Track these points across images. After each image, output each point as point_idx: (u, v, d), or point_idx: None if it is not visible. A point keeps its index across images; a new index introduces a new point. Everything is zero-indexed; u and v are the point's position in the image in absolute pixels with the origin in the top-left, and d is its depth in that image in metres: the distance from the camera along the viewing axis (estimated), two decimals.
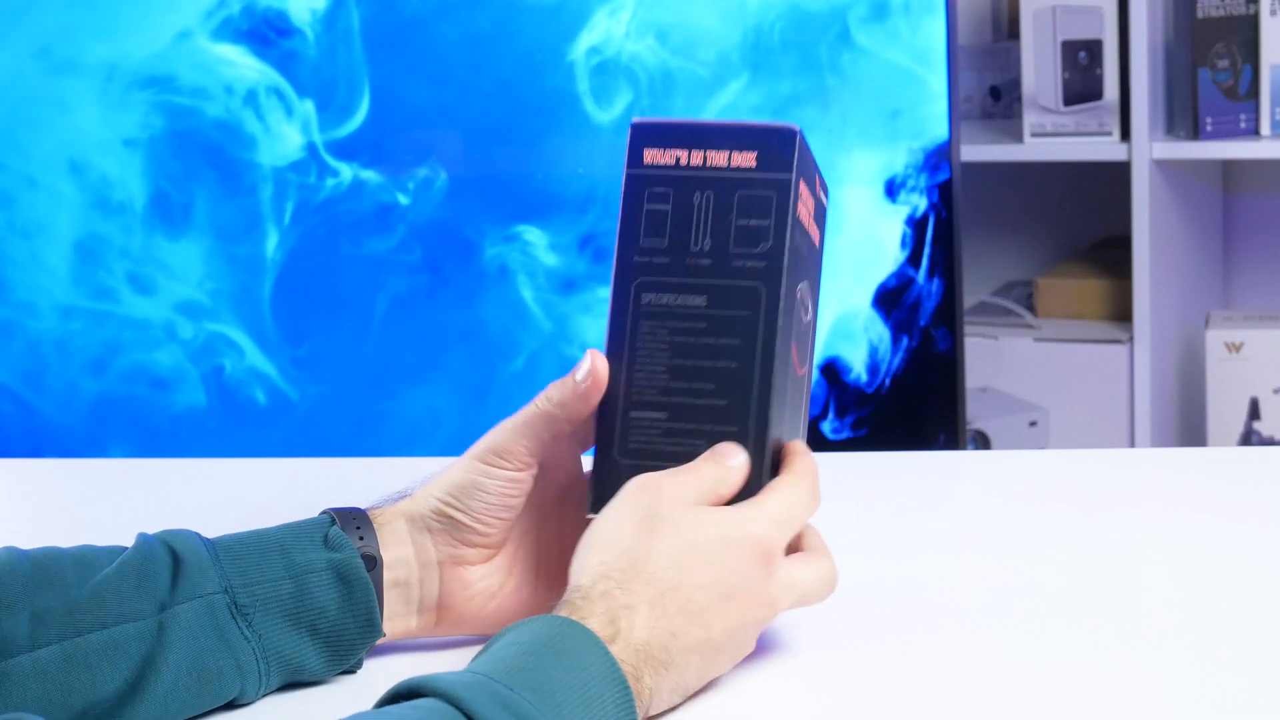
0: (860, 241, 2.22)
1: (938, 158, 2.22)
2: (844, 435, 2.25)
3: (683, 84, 2.20)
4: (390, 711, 0.89)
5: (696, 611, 0.98)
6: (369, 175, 2.24)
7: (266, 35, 2.23)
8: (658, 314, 1.05)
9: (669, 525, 1.00)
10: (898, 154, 2.22)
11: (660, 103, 2.20)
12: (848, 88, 2.20)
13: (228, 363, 2.27)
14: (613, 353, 1.05)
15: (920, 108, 2.21)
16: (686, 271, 1.05)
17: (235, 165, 2.25)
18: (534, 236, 2.23)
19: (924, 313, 2.24)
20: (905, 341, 2.24)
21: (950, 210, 2.23)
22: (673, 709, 1.00)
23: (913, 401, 2.25)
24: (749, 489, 1.04)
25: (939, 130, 2.21)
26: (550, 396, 1.06)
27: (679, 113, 2.21)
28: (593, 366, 1.05)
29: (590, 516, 1.05)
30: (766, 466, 1.04)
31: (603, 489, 1.05)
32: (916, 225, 2.23)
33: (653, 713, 0.98)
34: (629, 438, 1.05)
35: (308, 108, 2.23)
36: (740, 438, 1.04)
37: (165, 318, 2.27)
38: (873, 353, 2.24)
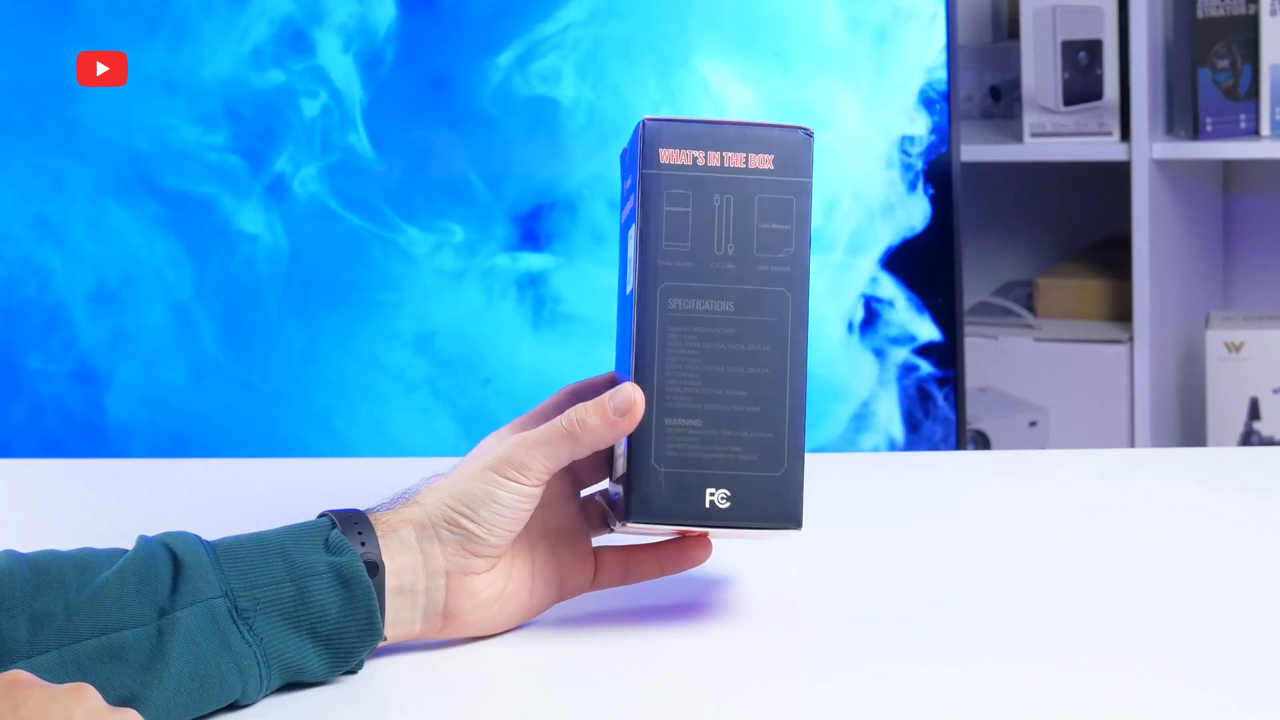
0: (861, 241, 2.22)
1: (937, 158, 2.21)
2: (844, 436, 2.25)
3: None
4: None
5: None
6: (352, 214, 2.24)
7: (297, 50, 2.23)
8: (686, 319, 1.05)
9: None
10: (896, 154, 2.21)
11: None
12: (848, 81, 2.20)
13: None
14: (642, 357, 1.05)
15: (920, 105, 2.21)
16: (712, 276, 1.05)
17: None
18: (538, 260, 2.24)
19: (924, 313, 2.24)
20: (905, 341, 2.24)
21: (950, 210, 2.23)
22: None
23: (913, 401, 2.25)
24: (787, 496, 1.04)
25: (939, 131, 2.21)
26: (579, 420, 1.05)
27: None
28: (631, 401, 1.04)
29: (617, 527, 1.07)
30: (802, 470, 1.05)
31: (641, 497, 1.05)
32: (917, 223, 2.23)
33: None
34: (666, 445, 1.05)
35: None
36: (776, 444, 1.04)
37: (162, 320, 2.27)
38: (872, 352, 2.24)
